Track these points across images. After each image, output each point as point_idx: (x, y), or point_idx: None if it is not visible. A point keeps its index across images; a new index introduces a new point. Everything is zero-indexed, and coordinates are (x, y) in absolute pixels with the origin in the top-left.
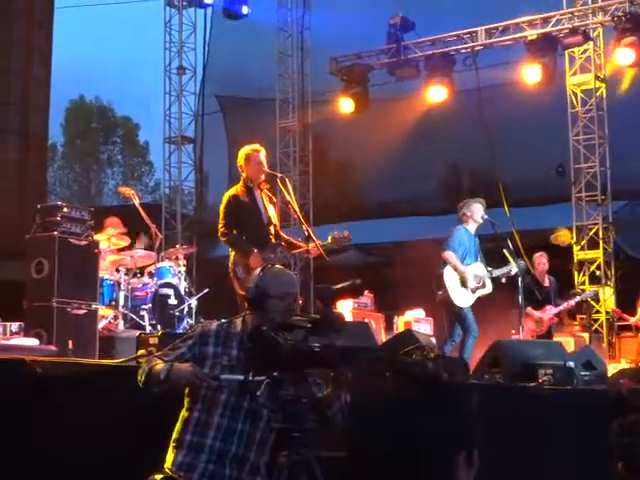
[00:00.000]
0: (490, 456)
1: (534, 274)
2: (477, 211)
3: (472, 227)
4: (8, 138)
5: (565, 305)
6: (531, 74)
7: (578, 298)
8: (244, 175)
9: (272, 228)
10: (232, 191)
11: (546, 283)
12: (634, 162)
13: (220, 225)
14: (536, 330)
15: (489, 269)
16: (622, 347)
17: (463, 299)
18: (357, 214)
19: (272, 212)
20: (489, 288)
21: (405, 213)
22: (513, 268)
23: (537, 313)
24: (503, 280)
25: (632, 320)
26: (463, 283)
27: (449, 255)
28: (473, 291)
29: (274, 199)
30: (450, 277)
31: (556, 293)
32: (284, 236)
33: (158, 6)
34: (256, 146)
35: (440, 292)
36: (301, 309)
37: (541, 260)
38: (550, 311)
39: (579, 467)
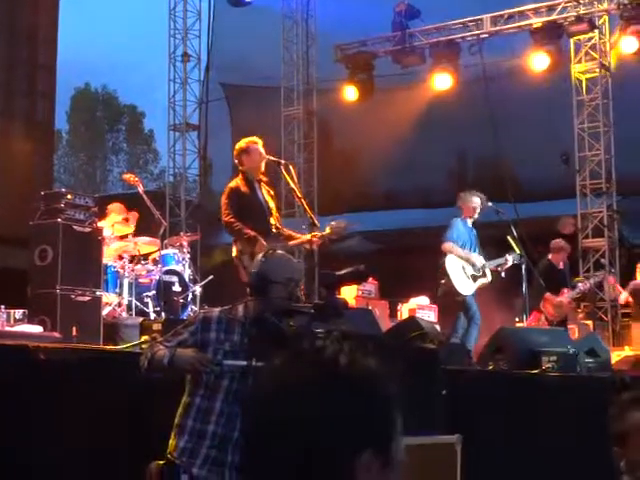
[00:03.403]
0: (493, 441)
1: (550, 259)
2: (472, 204)
3: (469, 220)
4: (14, 125)
5: (582, 287)
6: (538, 62)
7: (596, 279)
8: (243, 168)
9: (273, 220)
10: (233, 183)
11: (560, 266)
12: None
13: (224, 215)
14: (555, 315)
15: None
16: (627, 335)
17: (466, 287)
18: (363, 202)
19: (272, 204)
20: (489, 277)
21: (411, 202)
22: (509, 258)
23: (556, 298)
24: (501, 270)
25: (621, 298)
26: (466, 271)
27: (449, 245)
28: (474, 279)
29: (272, 192)
30: (452, 265)
31: (570, 276)
32: (287, 233)
33: None
34: (254, 138)
35: (443, 281)
36: (305, 295)
37: (562, 244)
38: (569, 294)
39: (581, 453)
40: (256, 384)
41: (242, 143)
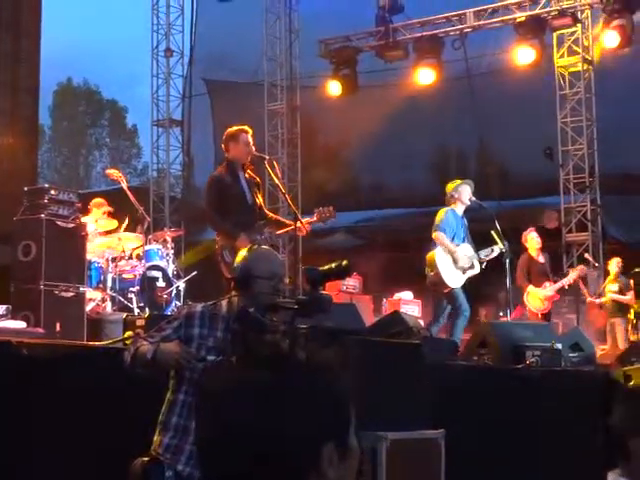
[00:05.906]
0: (477, 436)
1: (528, 252)
2: (464, 192)
3: (460, 209)
4: None
5: (566, 280)
6: (522, 56)
7: (578, 273)
8: (229, 155)
9: (257, 209)
10: (215, 173)
11: (541, 260)
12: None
13: (205, 208)
14: (541, 309)
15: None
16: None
17: (454, 279)
18: (346, 197)
19: (257, 193)
20: (477, 269)
21: (395, 197)
22: (495, 249)
23: (541, 291)
24: (486, 259)
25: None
26: (454, 263)
27: (440, 236)
28: (464, 271)
29: (257, 180)
30: (442, 258)
31: (550, 269)
32: (271, 215)
33: None
34: (244, 127)
35: (432, 273)
36: (289, 291)
37: (533, 236)
38: (552, 287)
39: (565, 446)
40: (211, 383)
41: (232, 129)
